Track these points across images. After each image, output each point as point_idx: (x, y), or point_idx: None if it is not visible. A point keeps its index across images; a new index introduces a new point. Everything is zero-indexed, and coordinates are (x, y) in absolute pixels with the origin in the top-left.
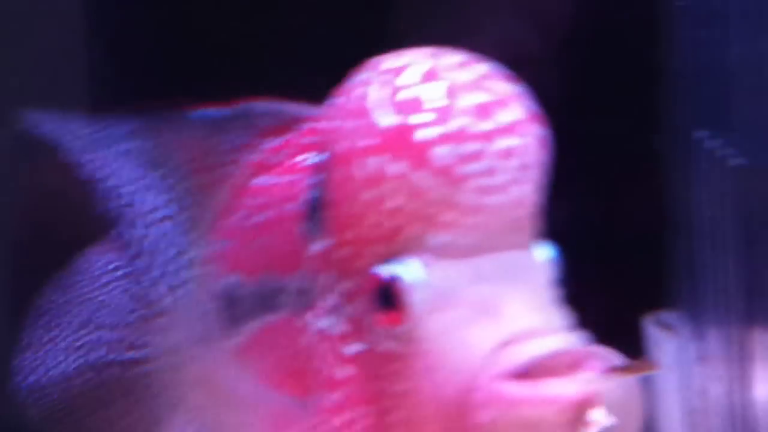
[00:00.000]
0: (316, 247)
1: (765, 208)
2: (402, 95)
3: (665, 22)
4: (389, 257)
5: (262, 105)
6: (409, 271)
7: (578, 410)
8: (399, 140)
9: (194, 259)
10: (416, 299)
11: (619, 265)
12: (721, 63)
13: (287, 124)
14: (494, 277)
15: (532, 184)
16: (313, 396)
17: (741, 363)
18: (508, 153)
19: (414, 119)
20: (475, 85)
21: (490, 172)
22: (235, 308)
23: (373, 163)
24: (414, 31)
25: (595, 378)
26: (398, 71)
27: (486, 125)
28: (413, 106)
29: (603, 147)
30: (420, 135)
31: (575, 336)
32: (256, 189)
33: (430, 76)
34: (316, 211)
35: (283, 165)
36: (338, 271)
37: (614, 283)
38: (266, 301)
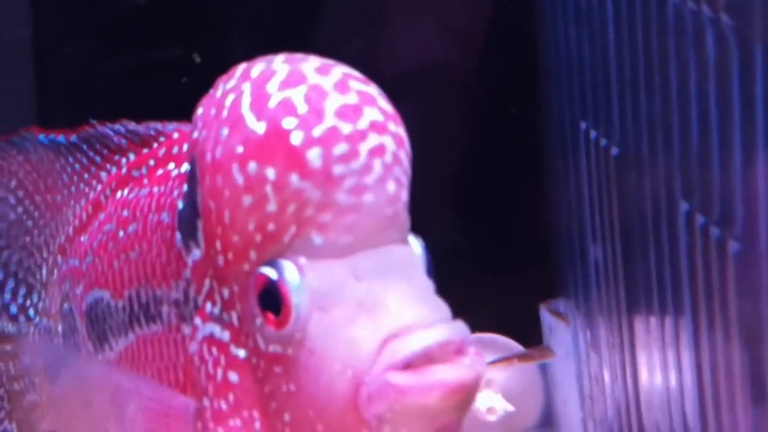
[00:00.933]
0: (194, 255)
1: (639, 198)
2: (272, 102)
3: (546, 19)
4: (270, 260)
5: (116, 126)
6: (288, 274)
7: (461, 394)
8: (272, 145)
9: (46, 279)
10: (297, 301)
11: (514, 256)
12: (599, 56)
13: (146, 140)
14: (374, 274)
15: (401, 181)
16: (205, 401)
17: (628, 350)
18: (377, 152)
19: (286, 124)
20: (339, 88)
21: (361, 171)
22: (106, 323)
23: (247, 168)
24: (334, 37)
25: (476, 362)
26: (265, 78)
27: (354, 126)
28: (284, 111)
29: (497, 142)
30: (292, 139)
31: (456, 325)
32: (120, 202)
33: (296, 82)
34: (190, 220)
35: (149, 177)
36: (219, 277)
37: (510, 272)
38: (143, 313)
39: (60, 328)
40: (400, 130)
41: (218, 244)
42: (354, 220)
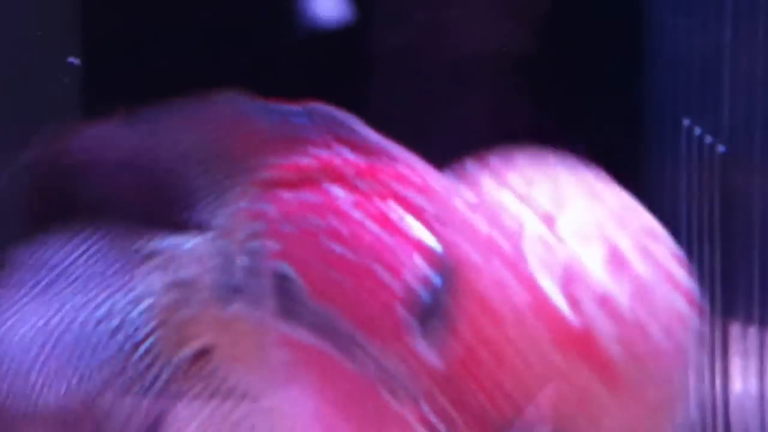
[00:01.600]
0: (426, 353)
1: (746, 196)
2: (583, 287)
3: (648, 13)
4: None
5: (341, 114)
6: None
7: None
8: (576, 344)
9: (232, 198)
10: None
11: None
12: (705, 50)
13: (370, 151)
14: None
15: None
16: None
17: (720, 353)
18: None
19: (598, 326)
20: (654, 280)
21: (648, 372)
22: (290, 302)
23: (537, 351)
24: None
25: None
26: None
27: (656, 331)
28: (598, 308)
29: (592, 137)
30: (599, 344)
31: None
32: (334, 206)
33: (619, 261)
34: (436, 321)
35: (371, 204)
36: (460, 403)
37: None
38: (334, 335)
39: (241, 261)
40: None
41: (473, 384)
42: (619, 414)
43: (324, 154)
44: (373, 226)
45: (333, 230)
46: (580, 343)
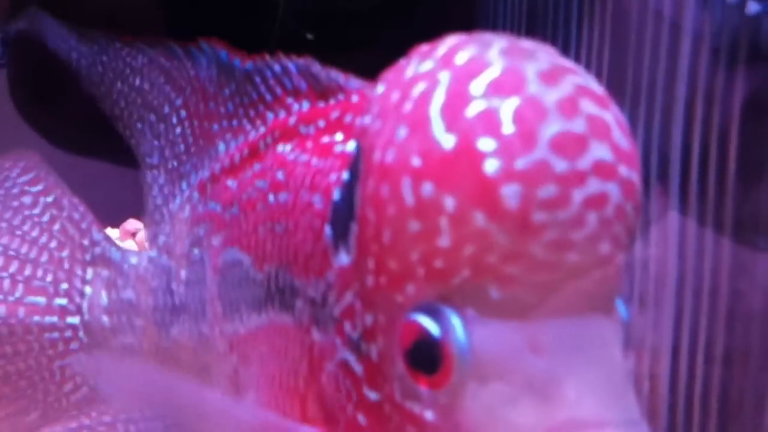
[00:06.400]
0: (341, 260)
1: None
2: (471, 109)
3: None
4: (430, 303)
5: (300, 62)
6: (457, 329)
7: None
8: (458, 169)
9: (175, 213)
10: (462, 364)
11: None
12: None
13: (326, 91)
14: (556, 348)
15: (620, 241)
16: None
17: None
18: (595, 202)
19: (481, 145)
20: (564, 108)
21: (569, 224)
22: (241, 291)
23: (421, 188)
24: None
25: None
26: (471, 71)
27: (572, 164)
28: (483, 127)
29: None
30: (486, 167)
31: (638, 429)
32: (279, 159)
33: (510, 87)
34: (344, 218)
35: (314, 141)
36: (365, 299)
37: None
38: (279, 298)
39: (183, 274)
40: (633, 175)
41: (371, 263)
42: (547, 279)
43: (272, 117)
44: (306, 157)
45: (274, 182)
46: (455, 171)
